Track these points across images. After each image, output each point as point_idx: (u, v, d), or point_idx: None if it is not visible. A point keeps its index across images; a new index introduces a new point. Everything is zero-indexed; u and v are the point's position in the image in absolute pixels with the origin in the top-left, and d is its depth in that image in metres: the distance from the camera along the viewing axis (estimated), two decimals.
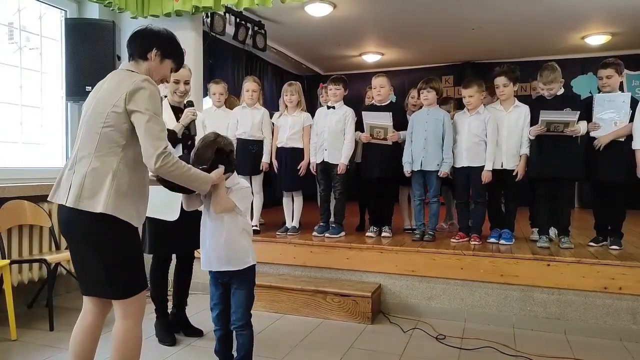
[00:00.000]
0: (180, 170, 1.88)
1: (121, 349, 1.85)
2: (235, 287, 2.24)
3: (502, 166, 3.55)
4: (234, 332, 2.26)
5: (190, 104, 2.97)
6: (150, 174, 1.94)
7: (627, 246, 3.43)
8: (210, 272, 2.26)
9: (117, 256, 1.82)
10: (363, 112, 3.85)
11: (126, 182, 1.81)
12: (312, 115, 4.07)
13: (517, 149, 3.53)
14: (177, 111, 2.93)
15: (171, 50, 2.00)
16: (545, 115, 3.30)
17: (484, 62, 7.30)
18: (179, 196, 2.34)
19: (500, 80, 3.56)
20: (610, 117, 3.34)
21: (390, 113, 3.74)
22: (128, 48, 1.98)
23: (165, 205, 2.56)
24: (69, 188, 1.81)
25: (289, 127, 3.99)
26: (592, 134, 3.38)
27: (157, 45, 1.94)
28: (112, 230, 1.80)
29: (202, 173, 2.00)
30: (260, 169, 4.04)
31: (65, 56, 3.50)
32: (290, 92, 3.98)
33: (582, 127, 3.33)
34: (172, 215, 2.66)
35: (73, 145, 1.94)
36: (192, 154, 2.17)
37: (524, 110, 3.54)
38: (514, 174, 3.52)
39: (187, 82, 2.95)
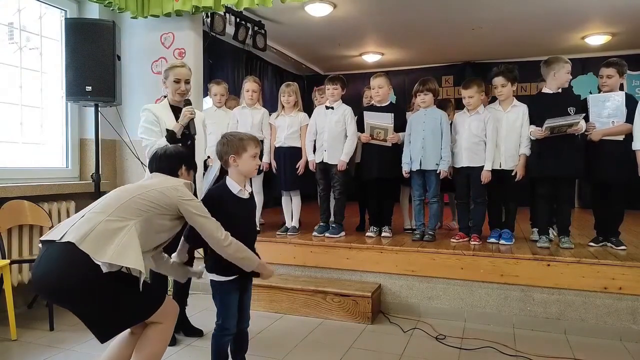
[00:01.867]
0: (239, 248, 2.06)
1: (148, 348, 1.89)
2: (248, 287, 2.34)
3: (500, 166, 3.55)
4: (241, 331, 2.31)
5: (187, 102, 2.96)
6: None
7: (627, 246, 3.42)
8: (236, 279, 2.25)
9: (122, 297, 1.81)
10: (364, 112, 3.84)
11: (135, 241, 1.80)
12: (310, 115, 4.07)
13: (516, 148, 3.52)
14: (177, 111, 2.93)
15: (192, 163, 2.33)
16: (551, 122, 3.25)
17: (483, 62, 7.30)
18: None
19: (498, 81, 3.57)
20: (608, 117, 3.34)
21: (392, 114, 3.73)
22: (152, 167, 2.19)
23: None
24: (71, 226, 1.78)
25: (286, 127, 4.00)
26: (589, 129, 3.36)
27: (183, 162, 2.23)
28: (107, 277, 1.73)
29: (254, 256, 2.15)
30: (260, 169, 4.04)
31: (65, 56, 3.49)
32: (288, 93, 3.99)
33: (582, 124, 3.32)
34: None
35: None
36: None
37: (522, 109, 3.54)
38: (512, 174, 3.52)
39: (187, 82, 2.96)
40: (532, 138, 3.44)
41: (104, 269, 1.71)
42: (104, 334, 1.84)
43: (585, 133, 3.36)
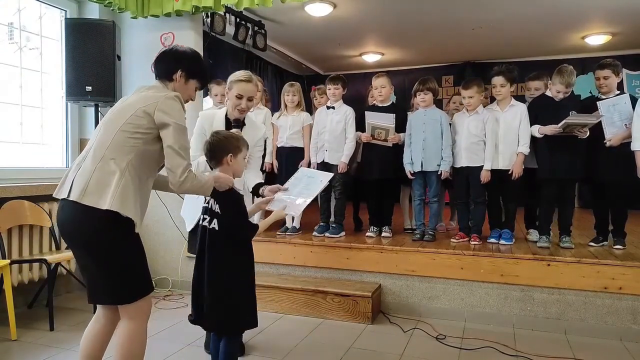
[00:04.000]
0: (194, 180, 1.92)
1: (125, 349, 1.86)
2: None
3: (498, 166, 3.54)
4: None
5: (235, 124, 2.59)
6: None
7: (627, 246, 3.42)
8: None
9: (118, 261, 1.81)
10: (366, 112, 3.84)
11: (132, 183, 1.81)
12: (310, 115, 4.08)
13: (515, 148, 3.51)
14: (230, 126, 2.63)
15: (195, 70, 2.05)
16: (571, 119, 3.20)
17: (483, 62, 7.29)
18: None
19: (497, 80, 3.56)
20: (620, 120, 3.30)
21: (394, 115, 3.72)
22: (154, 69, 2.03)
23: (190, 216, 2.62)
24: (72, 182, 1.81)
25: (289, 126, 4.00)
26: (607, 135, 3.31)
27: (181, 66, 1.99)
28: (114, 231, 1.79)
29: (208, 180, 2.00)
30: (263, 169, 4.03)
31: (65, 56, 3.49)
32: (292, 93, 4.00)
33: (587, 130, 3.32)
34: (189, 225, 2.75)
35: (84, 146, 1.95)
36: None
37: (520, 108, 3.54)
38: (509, 172, 3.51)
39: (250, 99, 2.59)
40: (539, 135, 3.41)
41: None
42: (94, 294, 1.89)
43: (605, 142, 3.30)
